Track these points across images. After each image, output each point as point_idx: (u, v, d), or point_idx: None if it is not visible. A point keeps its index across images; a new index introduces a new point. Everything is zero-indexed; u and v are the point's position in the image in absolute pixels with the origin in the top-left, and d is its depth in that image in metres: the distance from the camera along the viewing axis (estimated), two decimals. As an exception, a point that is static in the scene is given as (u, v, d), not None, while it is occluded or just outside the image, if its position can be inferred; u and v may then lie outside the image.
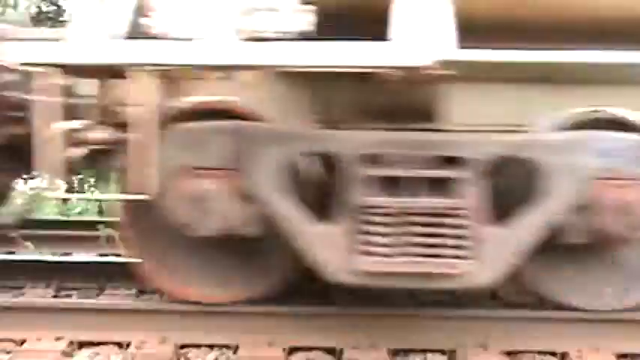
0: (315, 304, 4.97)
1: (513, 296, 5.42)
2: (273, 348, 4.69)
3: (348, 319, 4.83)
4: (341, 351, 4.69)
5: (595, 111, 4.68)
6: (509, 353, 4.75)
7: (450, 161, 4.29)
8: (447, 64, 4.03)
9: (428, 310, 4.99)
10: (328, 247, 4.33)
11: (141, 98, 4.16)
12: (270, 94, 4.72)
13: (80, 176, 9.25)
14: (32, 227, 7.39)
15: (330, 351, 4.74)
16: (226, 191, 4.41)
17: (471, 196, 4.27)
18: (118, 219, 5.17)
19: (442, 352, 4.76)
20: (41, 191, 7.62)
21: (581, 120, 4.68)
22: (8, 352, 4.68)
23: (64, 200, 9.19)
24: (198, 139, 4.40)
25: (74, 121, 4.32)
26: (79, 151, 4.33)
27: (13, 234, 7.26)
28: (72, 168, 4.34)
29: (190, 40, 4.12)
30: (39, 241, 7.33)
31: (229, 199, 4.41)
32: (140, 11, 4.28)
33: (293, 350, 4.74)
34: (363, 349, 4.69)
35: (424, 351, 4.77)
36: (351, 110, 4.82)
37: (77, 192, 9.15)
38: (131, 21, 4.24)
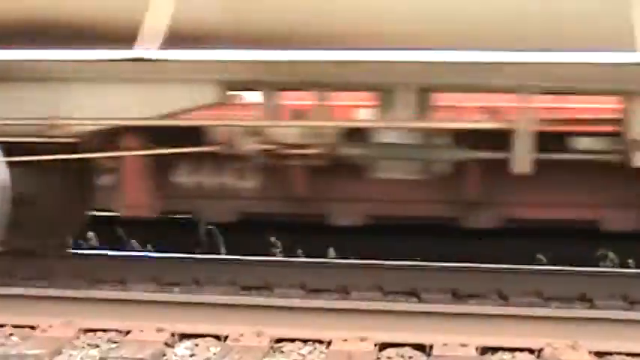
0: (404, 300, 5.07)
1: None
2: (365, 343, 4.80)
3: (437, 317, 4.93)
4: (431, 347, 4.78)
5: None
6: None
7: None
8: None
9: (516, 309, 5.05)
10: None
11: None
12: None
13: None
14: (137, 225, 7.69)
15: (419, 347, 4.83)
16: None
17: None
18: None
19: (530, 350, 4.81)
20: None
21: None
22: (115, 342, 4.89)
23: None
24: None
25: None
26: None
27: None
28: None
29: None
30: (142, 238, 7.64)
31: None
32: None
33: (385, 346, 4.84)
34: (452, 346, 4.77)
35: (513, 350, 4.84)
36: None
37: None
38: None
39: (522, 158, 5.14)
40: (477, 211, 6.97)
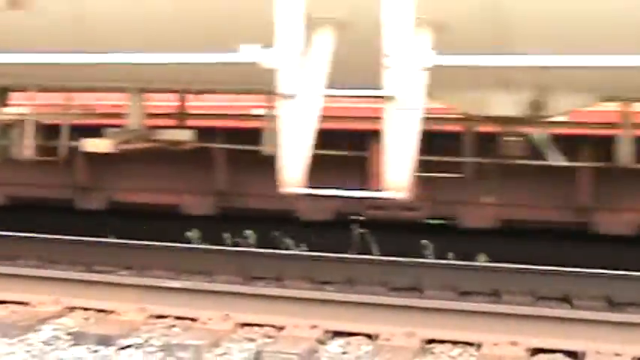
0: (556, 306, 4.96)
1: None
2: (516, 347, 4.70)
3: (591, 324, 4.78)
4: (583, 354, 4.64)
5: None
6: None
7: None
8: None
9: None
10: None
11: None
12: None
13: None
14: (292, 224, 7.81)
15: (571, 354, 4.70)
16: None
17: None
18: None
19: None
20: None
21: None
22: (270, 337, 4.97)
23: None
24: None
25: None
26: None
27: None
28: None
29: None
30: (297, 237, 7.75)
31: None
32: None
33: (536, 351, 4.74)
34: (606, 355, 4.62)
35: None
36: None
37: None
38: None
39: (26, 145, 6.17)
40: (87, 194, 8.27)
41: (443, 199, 7.36)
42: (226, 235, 7.85)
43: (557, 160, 5.73)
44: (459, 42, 4.29)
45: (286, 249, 7.50)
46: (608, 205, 7.14)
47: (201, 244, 7.68)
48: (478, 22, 4.38)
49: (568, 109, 5.08)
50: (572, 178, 7.05)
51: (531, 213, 7.36)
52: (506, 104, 4.82)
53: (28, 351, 4.72)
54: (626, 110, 6.01)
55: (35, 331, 5.05)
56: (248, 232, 7.86)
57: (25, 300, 5.58)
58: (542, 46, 4.29)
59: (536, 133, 5.79)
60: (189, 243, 7.67)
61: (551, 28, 4.39)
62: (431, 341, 4.89)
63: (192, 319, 5.22)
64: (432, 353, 4.78)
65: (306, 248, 7.52)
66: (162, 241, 7.22)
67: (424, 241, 7.46)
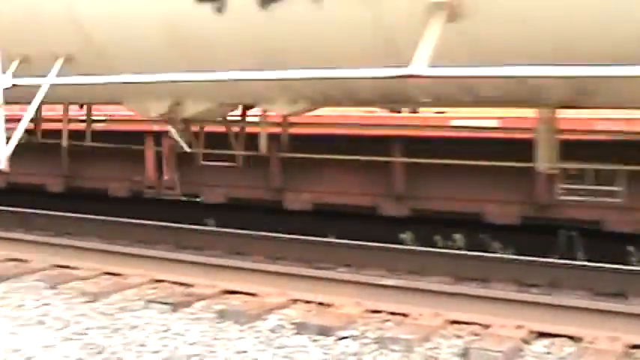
0: None
1: None
2: None
3: None
4: None
5: None
6: None
7: None
8: None
9: None
10: None
11: None
12: None
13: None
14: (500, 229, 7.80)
15: None
16: None
17: None
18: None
19: None
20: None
21: None
22: (476, 335, 5.02)
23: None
24: None
25: None
26: None
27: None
28: None
29: None
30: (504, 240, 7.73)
31: None
32: None
33: None
34: None
35: None
36: None
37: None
38: None
39: None
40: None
41: (189, 180, 9.34)
42: (437, 238, 7.94)
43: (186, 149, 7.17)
44: (38, 69, 5.65)
45: (493, 252, 7.48)
46: (292, 187, 8.86)
47: (412, 245, 7.79)
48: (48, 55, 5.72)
49: (196, 112, 6.24)
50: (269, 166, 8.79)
51: (247, 192, 9.16)
52: (157, 109, 6.24)
53: (256, 337, 5.01)
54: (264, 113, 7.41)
55: (262, 319, 5.35)
56: (457, 236, 7.91)
57: (254, 291, 5.93)
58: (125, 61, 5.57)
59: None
60: (400, 244, 7.80)
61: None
62: (635, 347, 4.78)
63: (405, 315, 5.36)
64: (636, 359, 4.67)
65: (512, 251, 7.48)
66: (377, 242, 7.39)
67: (631, 248, 7.25)
